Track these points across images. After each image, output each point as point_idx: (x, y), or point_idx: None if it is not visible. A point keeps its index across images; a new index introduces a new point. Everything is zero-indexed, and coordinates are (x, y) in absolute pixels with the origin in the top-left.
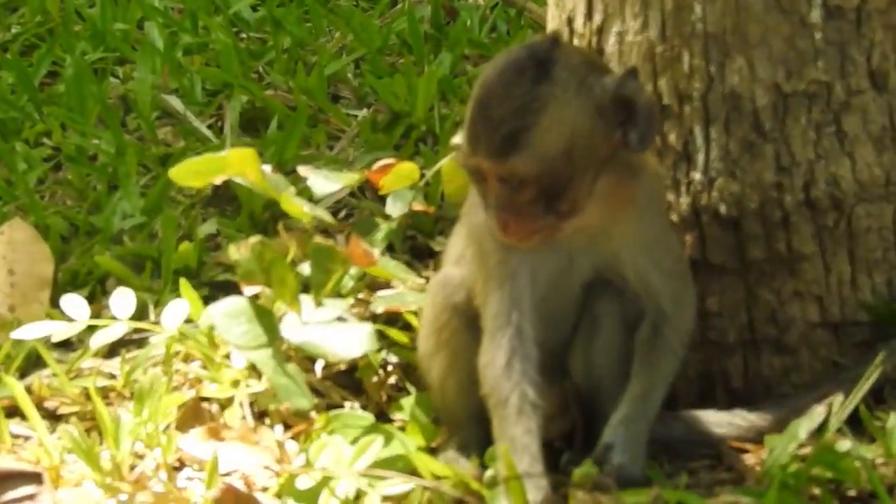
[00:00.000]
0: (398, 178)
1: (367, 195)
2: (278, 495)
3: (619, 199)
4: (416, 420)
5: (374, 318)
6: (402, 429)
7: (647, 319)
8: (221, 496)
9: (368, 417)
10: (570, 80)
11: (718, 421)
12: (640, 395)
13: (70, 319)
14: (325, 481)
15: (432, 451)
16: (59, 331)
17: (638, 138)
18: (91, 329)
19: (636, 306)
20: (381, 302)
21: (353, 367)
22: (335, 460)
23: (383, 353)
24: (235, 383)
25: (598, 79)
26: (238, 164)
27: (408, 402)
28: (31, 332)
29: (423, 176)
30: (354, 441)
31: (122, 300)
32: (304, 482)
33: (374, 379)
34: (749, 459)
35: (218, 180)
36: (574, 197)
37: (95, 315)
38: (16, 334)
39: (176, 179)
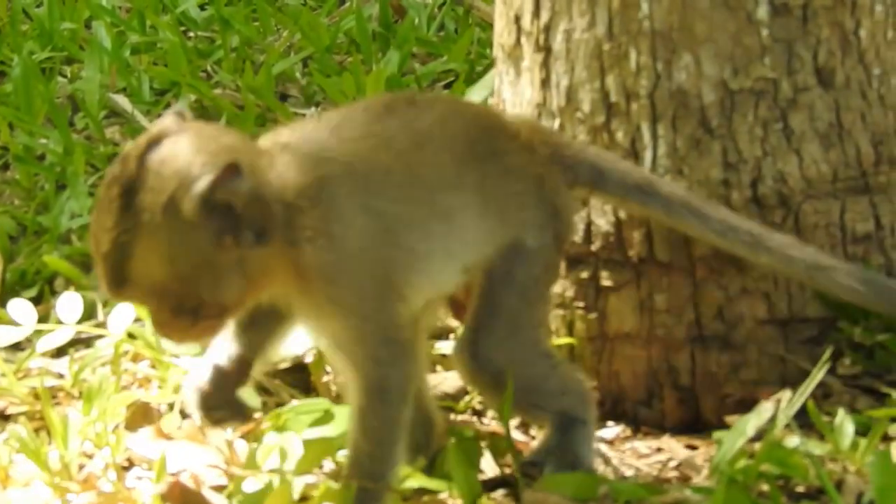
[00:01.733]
0: None
1: None
2: (229, 497)
3: (292, 273)
4: None
5: None
6: None
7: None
8: (168, 491)
9: (324, 402)
10: (156, 202)
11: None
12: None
13: (16, 324)
14: (270, 486)
15: None
16: (5, 336)
17: (254, 236)
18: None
19: None
20: None
21: (301, 365)
22: (283, 460)
23: None
24: None
25: (188, 190)
26: None
27: None
28: None
29: None
30: (314, 425)
31: (69, 304)
32: (251, 484)
33: (325, 378)
34: (698, 456)
35: None
36: (219, 300)
37: (43, 316)
38: None
39: None
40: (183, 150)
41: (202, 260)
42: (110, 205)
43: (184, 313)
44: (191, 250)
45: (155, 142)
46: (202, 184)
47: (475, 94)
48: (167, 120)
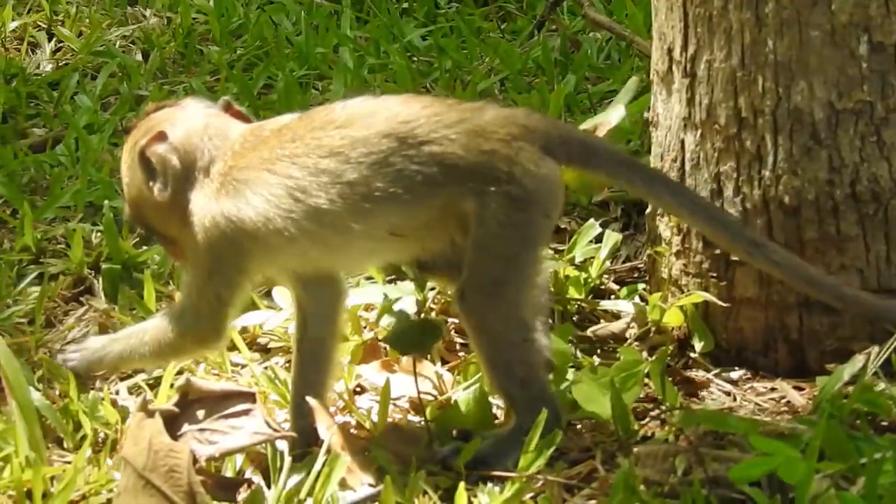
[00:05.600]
0: None
1: None
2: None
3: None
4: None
5: None
6: None
7: None
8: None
9: None
10: (129, 146)
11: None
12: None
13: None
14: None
15: None
16: (269, 319)
17: (159, 189)
18: None
19: None
20: None
21: None
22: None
23: None
24: None
25: (137, 143)
26: None
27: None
28: (247, 320)
29: None
30: None
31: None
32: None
33: None
34: (804, 396)
35: None
36: (168, 234)
37: None
38: (237, 322)
39: None
40: (159, 116)
41: (143, 197)
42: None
43: (158, 236)
44: (138, 187)
45: (155, 110)
46: (142, 140)
47: (633, 109)
48: (187, 99)
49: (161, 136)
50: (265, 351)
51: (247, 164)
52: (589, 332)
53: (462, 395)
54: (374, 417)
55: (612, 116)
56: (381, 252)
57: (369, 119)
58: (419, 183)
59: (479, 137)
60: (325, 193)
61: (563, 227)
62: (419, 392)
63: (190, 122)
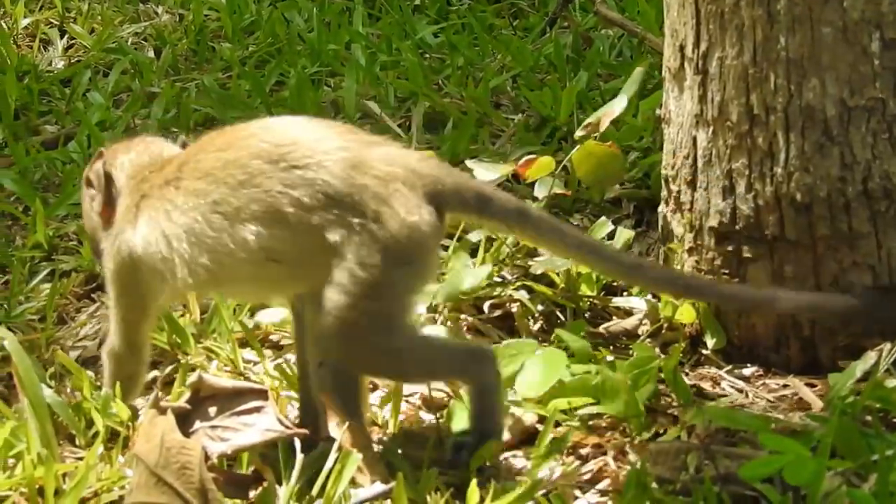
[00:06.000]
0: (538, 169)
1: (521, 181)
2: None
3: None
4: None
5: (525, 275)
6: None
7: None
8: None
9: (532, 343)
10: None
11: None
12: None
13: None
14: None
15: None
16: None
17: (97, 204)
18: None
19: None
20: (540, 265)
21: (508, 313)
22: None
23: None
24: None
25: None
26: None
27: (562, 332)
28: (262, 317)
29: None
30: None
31: None
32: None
33: (527, 321)
34: (816, 392)
35: None
36: None
37: None
38: (259, 316)
39: None
40: (124, 145)
41: (93, 224)
42: None
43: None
44: (88, 215)
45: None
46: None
47: (645, 106)
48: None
49: (99, 156)
50: (277, 348)
51: (148, 190)
52: (601, 329)
53: None
54: (387, 414)
55: (616, 107)
56: (267, 280)
57: (246, 141)
58: (286, 205)
59: (355, 170)
60: (193, 213)
61: (575, 224)
62: (430, 389)
63: (130, 145)
